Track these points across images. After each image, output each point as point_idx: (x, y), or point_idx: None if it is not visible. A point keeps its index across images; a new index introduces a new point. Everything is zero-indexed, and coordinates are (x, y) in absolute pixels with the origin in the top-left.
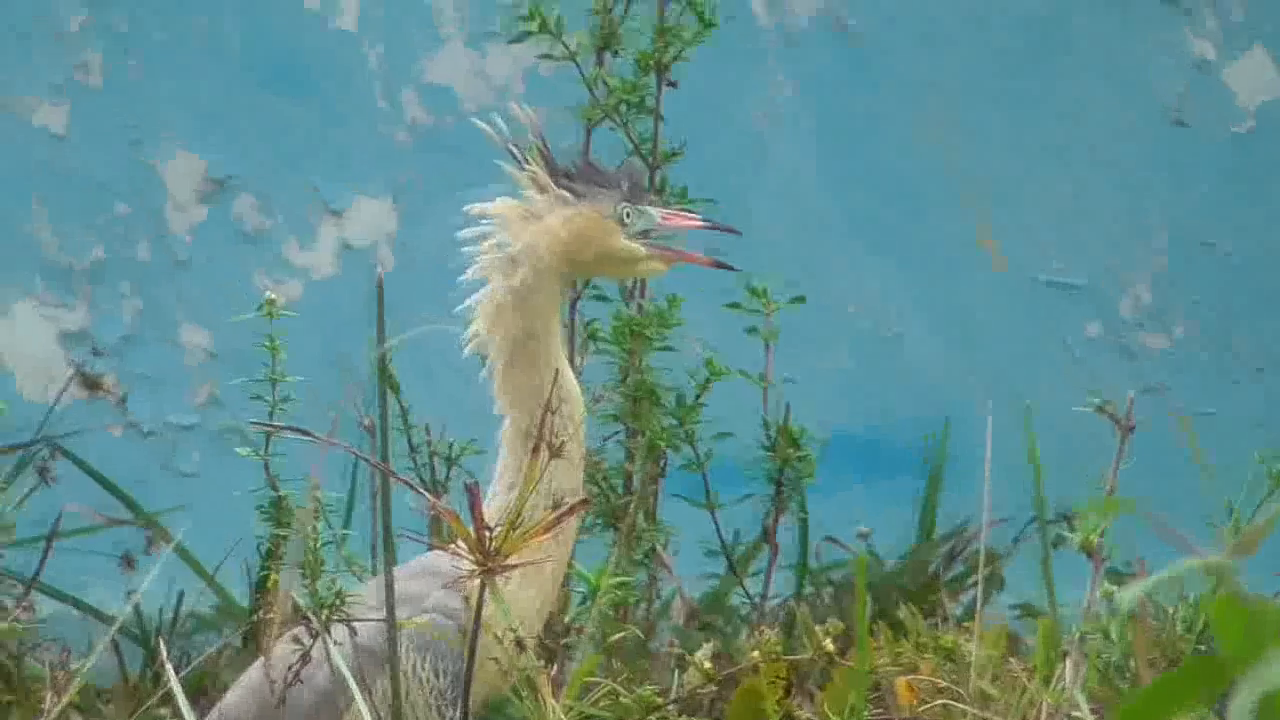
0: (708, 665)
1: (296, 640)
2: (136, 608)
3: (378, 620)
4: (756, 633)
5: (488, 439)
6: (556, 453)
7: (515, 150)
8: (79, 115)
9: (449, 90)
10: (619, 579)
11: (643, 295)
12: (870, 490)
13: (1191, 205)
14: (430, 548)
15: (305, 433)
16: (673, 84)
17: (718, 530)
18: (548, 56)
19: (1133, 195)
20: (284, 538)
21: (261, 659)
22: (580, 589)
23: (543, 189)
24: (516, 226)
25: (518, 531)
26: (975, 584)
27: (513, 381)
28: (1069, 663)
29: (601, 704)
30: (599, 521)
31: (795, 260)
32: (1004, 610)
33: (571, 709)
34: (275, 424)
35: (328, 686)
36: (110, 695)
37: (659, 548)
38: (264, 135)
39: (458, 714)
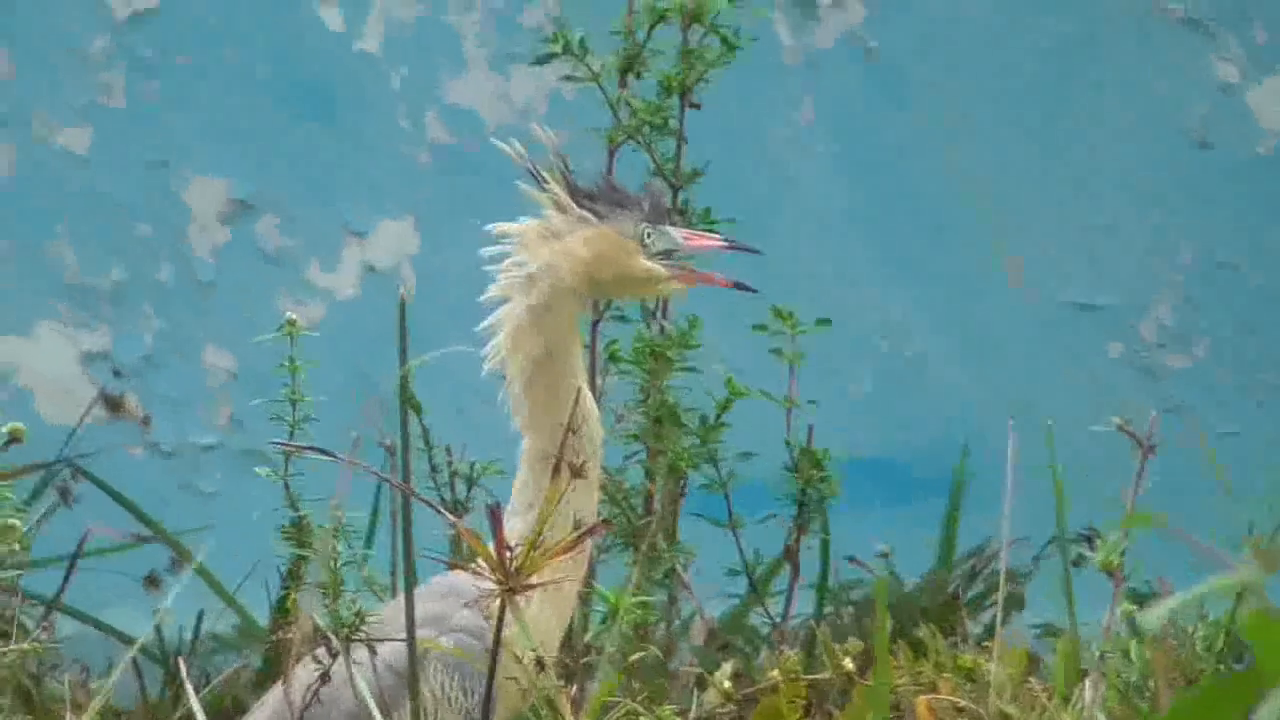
0: (727, 685)
1: (318, 662)
2: (157, 628)
3: (401, 640)
4: (776, 652)
5: (509, 460)
6: (578, 473)
7: (535, 171)
8: (102, 137)
9: (472, 112)
10: (639, 599)
11: (664, 316)
12: (891, 511)
13: (1214, 227)
14: (450, 568)
15: (326, 453)
16: (695, 106)
17: (739, 550)
18: (571, 78)
19: (1155, 217)
20: (305, 558)
21: (286, 682)
22: (601, 609)
23: (563, 209)
24: (536, 246)
25: (538, 552)
26: (995, 604)
27: (531, 401)
28: (1088, 683)
29: None
30: (619, 542)
31: (817, 282)
32: (1024, 630)
33: None
34: (296, 444)
35: (355, 709)
36: (130, 716)
37: (679, 568)
38: (287, 157)
39: None
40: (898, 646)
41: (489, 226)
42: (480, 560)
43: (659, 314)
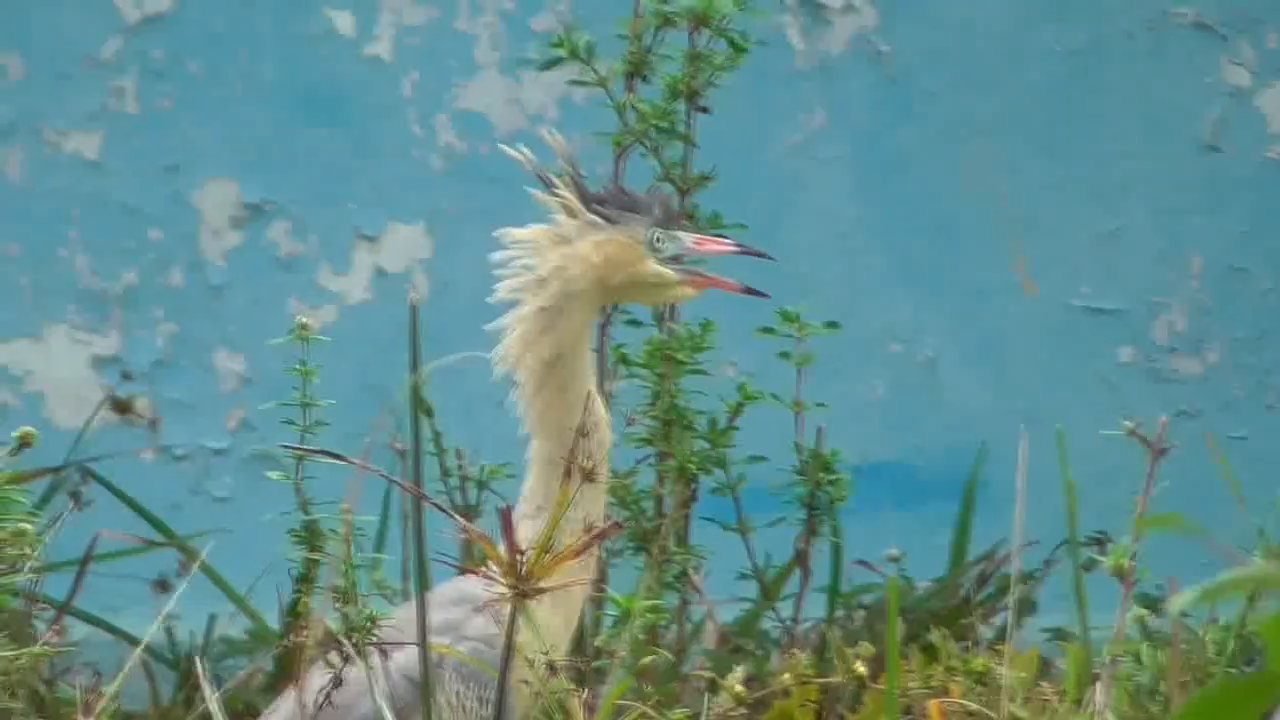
0: (739, 689)
1: (331, 666)
2: (169, 632)
3: (413, 644)
4: (788, 656)
5: (520, 463)
6: (589, 477)
7: (544, 176)
8: (113, 142)
9: (483, 117)
10: (651, 602)
11: (674, 319)
12: (903, 515)
13: (1225, 231)
14: (460, 572)
15: (338, 456)
16: (703, 110)
17: (750, 554)
18: (578, 83)
19: (1167, 221)
20: (316, 562)
21: (298, 686)
22: (613, 613)
23: (573, 214)
24: (546, 250)
25: (549, 555)
26: (1007, 607)
27: (541, 403)
28: (1100, 686)
29: None
30: (631, 545)
31: (828, 286)
32: (1035, 634)
33: None
34: (307, 448)
35: (370, 716)
36: (142, 719)
37: (690, 571)
38: (298, 161)
39: None
40: (909, 650)
41: (499, 231)
42: (491, 564)
43: (669, 317)
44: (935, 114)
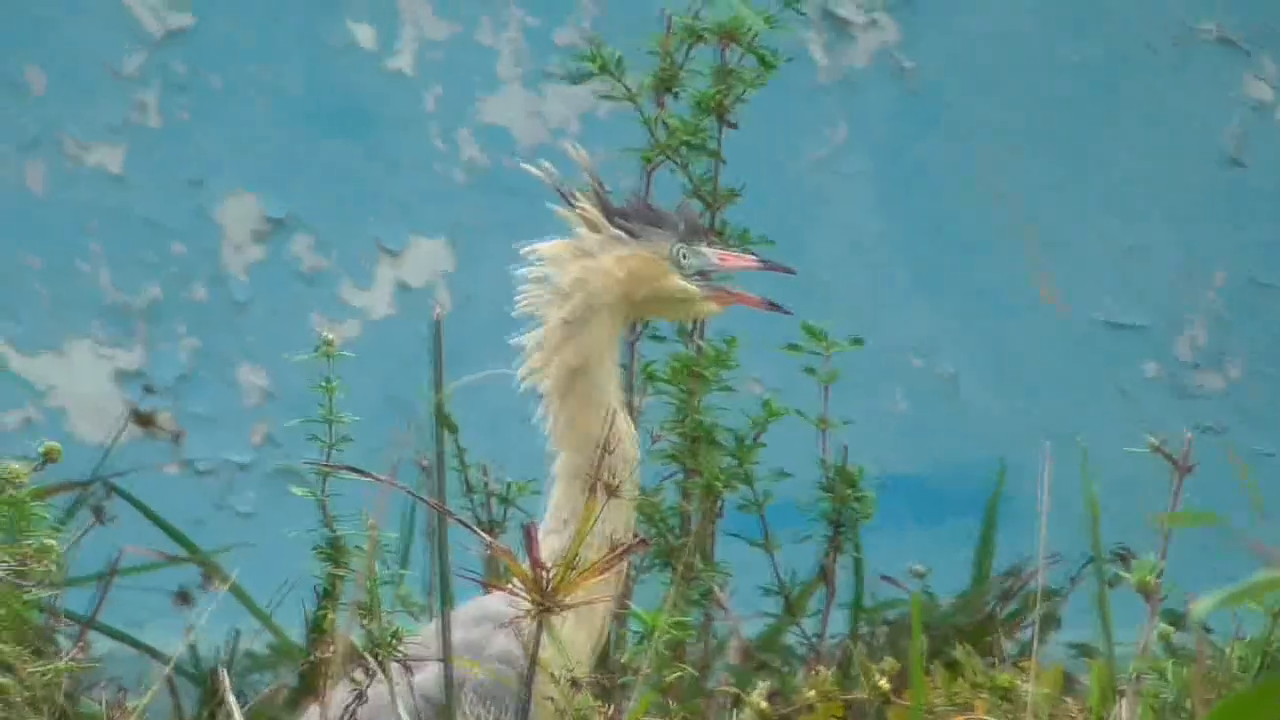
0: (763, 705)
1: (355, 682)
2: (193, 647)
3: (438, 660)
4: (812, 672)
5: (544, 478)
6: (614, 493)
7: (566, 190)
8: (136, 156)
9: (505, 131)
10: (675, 618)
11: (700, 336)
12: (926, 530)
13: (1248, 246)
14: (484, 588)
15: (361, 472)
16: (732, 125)
17: (775, 570)
18: (608, 97)
19: (1189, 236)
20: (340, 577)
21: (322, 702)
22: (637, 628)
23: (596, 228)
24: (567, 263)
25: (574, 571)
26: (1031, 623)
27: (566, 416)
28: (1124, 702)
29: None
30: (656, 561)
31: (852, 302)
32: (1059, 649)
33: None
34: (331, 463)
35: None
36: None
37: (715, 587)
38: (321, 175)
39: None
40: (933, 666)
41: (523, 246)
42: (516, 580)
43: (695, 333)
44: (957, 128)
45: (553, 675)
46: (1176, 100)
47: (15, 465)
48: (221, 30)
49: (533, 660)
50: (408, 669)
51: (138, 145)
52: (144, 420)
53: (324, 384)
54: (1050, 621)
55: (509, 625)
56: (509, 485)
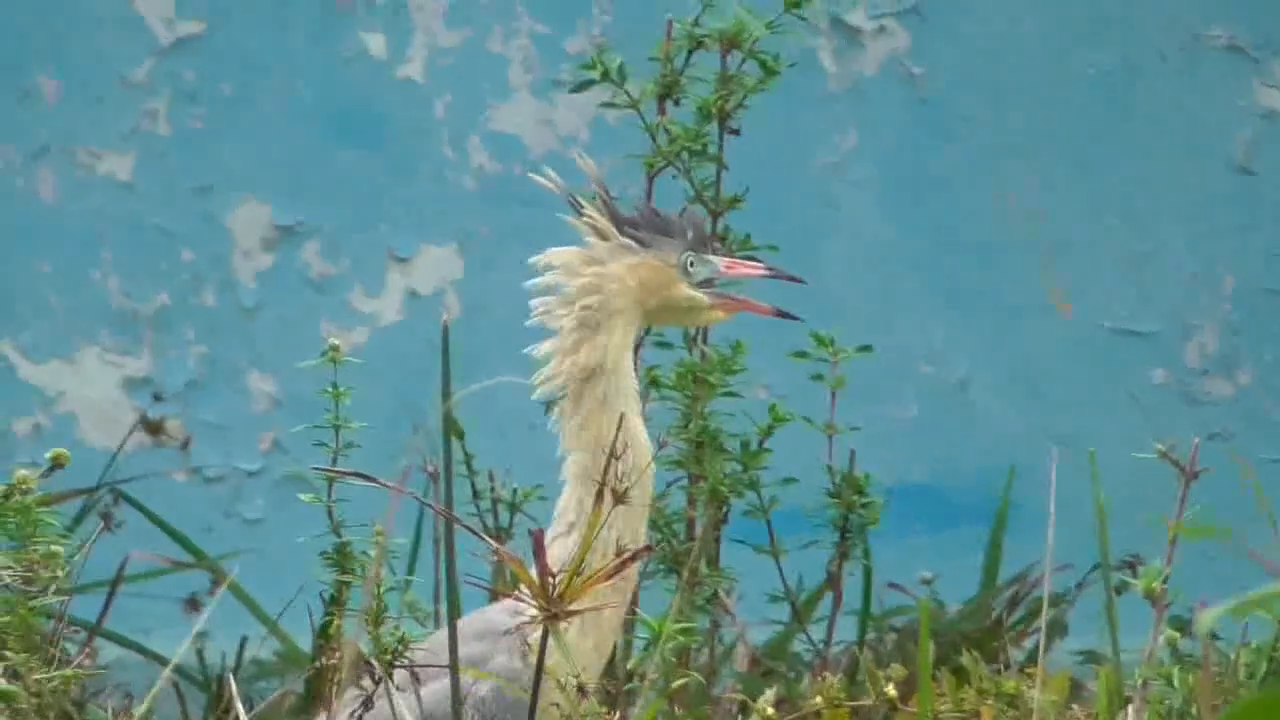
0: (770, 711)
1: (361, 689)
2: (199, 653)
3: (443, 666)
4: (819, 679)
5: (552, 485)
6: (621, 499)
7: (574, 200)
8: (146, 164)
9: (515, 139)
10: (682, 625)
11: (705, 342)
12: (934, 537)
13: (1258, 253)
14: (491, 595)
15: (369, 479)
16: (734, 132)
17: (782, 576)
18: (610, 105)
19: (1199, 243)
20: (348, 584)
21: (329, 709)
22: (644, 635)
23: (604, 236)
24: (576, 269)
25: (581, 578)
26: (1038, 630)
27: (580, 417)
28: (1131, 709)
29: None
30: (662, 567)
31: (860, 308)
32: (1067, 656)
33: None
34: (339, 470)
35: None
36: None
37: (721, 594)
38: (330, 183)
39: None
40: (940, 673)
41: (532, 256)
42: (522, 586)
43: (700, 339)
44: (967, 136)
45: (559, 682)
46: (1186, 108)
47: (23, 471)
48: (232, 38)
49: (539, 668)
50: (415, 678)
51: (148, 153)
52: (153, 427)
53: (332, 391)
54: (1057, 628)
55: (511, 633)
56: (516, 492)
